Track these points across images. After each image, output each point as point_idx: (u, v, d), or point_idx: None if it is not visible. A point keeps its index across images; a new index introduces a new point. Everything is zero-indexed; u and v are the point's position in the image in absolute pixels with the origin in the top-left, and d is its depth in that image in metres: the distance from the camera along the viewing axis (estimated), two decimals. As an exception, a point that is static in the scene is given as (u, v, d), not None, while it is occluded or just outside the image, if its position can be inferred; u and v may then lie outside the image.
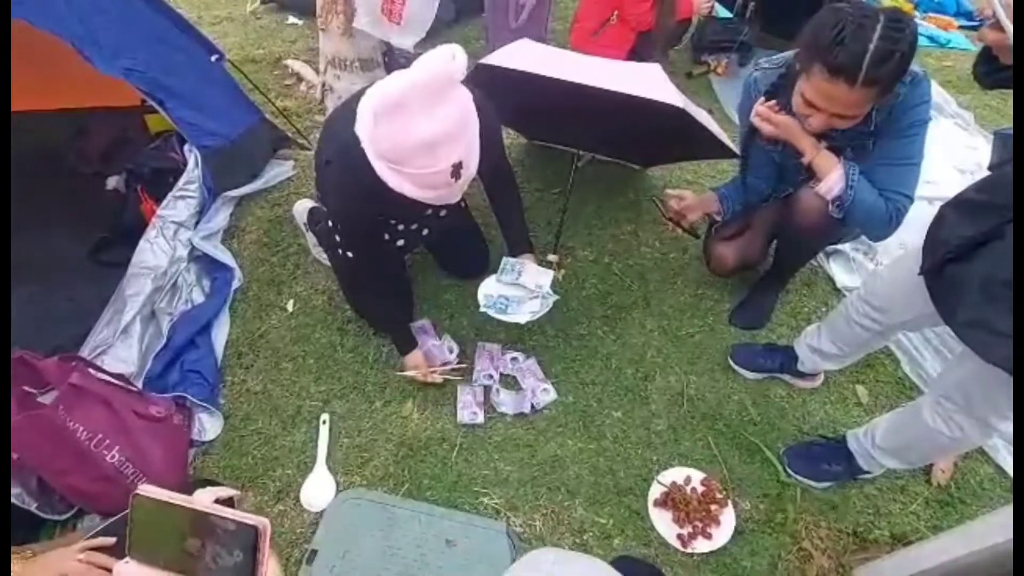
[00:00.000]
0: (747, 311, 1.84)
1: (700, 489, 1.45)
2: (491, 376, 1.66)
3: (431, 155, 1.11)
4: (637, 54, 2.72)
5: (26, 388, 1.25)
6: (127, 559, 0.60)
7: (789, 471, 1.51)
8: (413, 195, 1.18)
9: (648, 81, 1.54)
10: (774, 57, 1.50)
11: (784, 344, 1.70)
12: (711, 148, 1.85)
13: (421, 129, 1.07)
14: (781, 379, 1.69)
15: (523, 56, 1.68)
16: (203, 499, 0.61)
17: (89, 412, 1.21)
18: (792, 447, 1.54)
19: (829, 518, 1.44)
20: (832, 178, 1.37)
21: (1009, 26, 0.77)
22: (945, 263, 1.04)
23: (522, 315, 1.53)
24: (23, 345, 1.33)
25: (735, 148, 1.79)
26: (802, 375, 1.66)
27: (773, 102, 1.43)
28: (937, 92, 2.81)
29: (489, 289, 1.63)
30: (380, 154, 1.14)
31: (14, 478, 1.20)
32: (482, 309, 1.58)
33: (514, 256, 1.64)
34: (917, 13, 3.69)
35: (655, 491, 1.45)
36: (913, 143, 1.34)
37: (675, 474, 1.48)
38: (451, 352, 1.71)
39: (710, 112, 2.47)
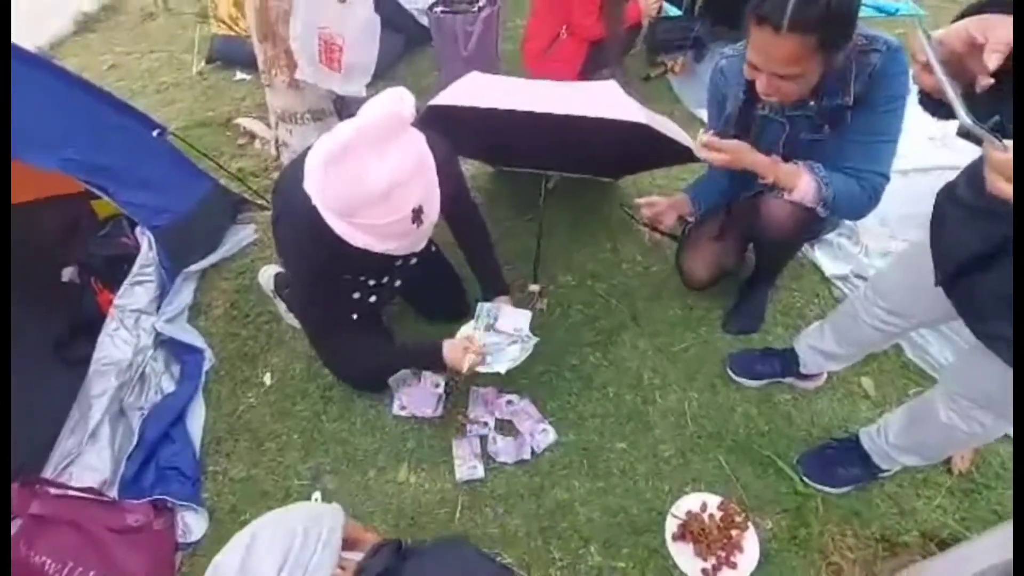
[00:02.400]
0: (740, 316, 1.79)
1: (718, 515, 1.38)
2: (486, 424, 1.58)
3: (387, 202, 1.05)
4: (592, 64, 2.70)
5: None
6: None
7: (805, 480, 1.45)
8: (377, 248, 1.12)
9: (606, 100, 1.50)
10: (738, 44, 1.46)
11: (782, 347, 1.65)
12: (679, 155, 1.80)
13: (373, 176, 1.02)
14: (783, 383, 1.64)
15: (475, 90, 1.64)
16: None
17: (55, 540, 1.12)
18: (805, 453, 1.48)
19: (854, 525, 1.38)
20: (802, 186, 1.33)
21: (940, 74, 0.66)
22: (957, 275, 0.98)
23: (501, 364, 1.46)
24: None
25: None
26: (805, 376, 1.61)
27: (712, 131, 1.38)
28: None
29: None
30: (334, 209, 1.08)
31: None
32: None
33: (488, 299, 1.58)
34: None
35: (671, 524, 1.38)
36: (891, 119, 1.29)
37: (690, 502, 1.41)
38: (437, 387, 1.63)
39: (671, 114, 2.44)
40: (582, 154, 1.95)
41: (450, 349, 1.42)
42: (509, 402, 1.62)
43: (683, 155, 1.81)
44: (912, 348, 1.68)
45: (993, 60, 0.64)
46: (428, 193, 1.14)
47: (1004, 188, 0.63)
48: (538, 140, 1.73)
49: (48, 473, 1.36)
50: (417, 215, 1.10)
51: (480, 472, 1.49)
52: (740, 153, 1.35)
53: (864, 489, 1.43)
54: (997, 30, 0.66)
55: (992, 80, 0.66)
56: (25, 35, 2.11)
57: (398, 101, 1.04)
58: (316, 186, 1.06)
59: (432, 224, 1.19)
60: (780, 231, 1.46)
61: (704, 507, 1.40)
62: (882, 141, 1.32)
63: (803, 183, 1.32)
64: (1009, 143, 0.62)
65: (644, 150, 1.80)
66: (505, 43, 3.01)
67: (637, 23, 2.76)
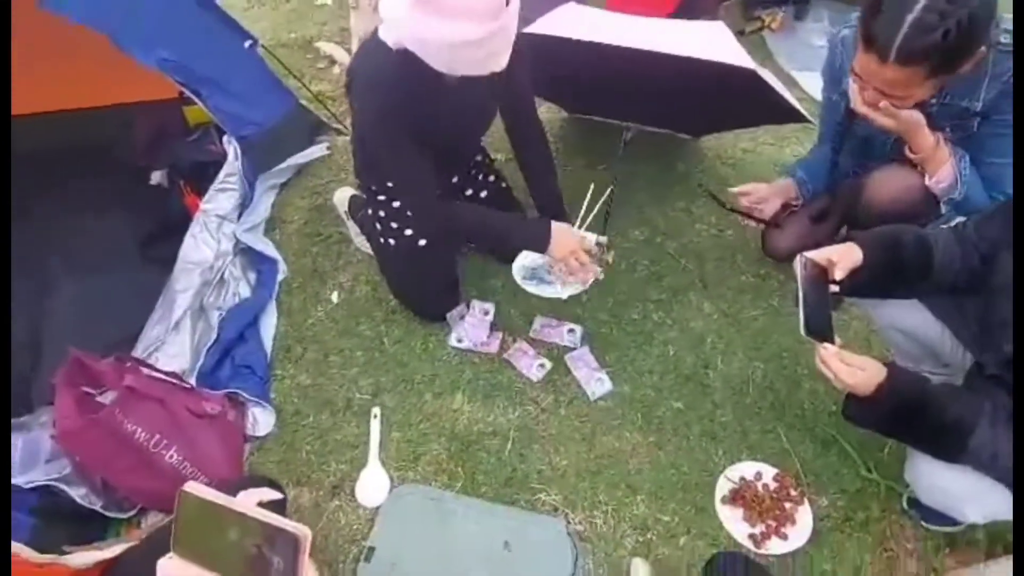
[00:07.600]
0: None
1: (772, 485, 1.35)
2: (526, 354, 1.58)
3: None
4: (683, 13, 2.52)
5: (85, 389, 1.27)
6: (170, 555, 0.62)
7: None
8: (464, 35, 1.04)
9: (715, 42, 1.41)
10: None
11: None
12: (777, 114, 1.69)
13: None
14: None
15: (571, 22, 1.56)
16: (246, 501, 0.61)
17: (145, 413, 1.20)
18: None
19: (917, 517, 1.33)
20: (941, 174, 1.22)
21: (800, 291, 1.02)
22: None
23: (563, 289, 1.42)
24: (78, 342, 1.34)
25: (805, 112, 1.63)
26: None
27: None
28: None
29: (526, 260, 1.54)
30: (420, 4, 1.04)
31: (79, 480, 1.22)
32: (519, 282, 1.50)
33: None
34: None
35: (723, 487, 1.36)
36: None
37: (744, 469, 1.38)
38: (486, 315, 1.64)
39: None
40: (670, 105, 1.85)
41: (558, 243, 1.31)
42: (571, 331, 1.61)
43: (782, 115, 1.70)
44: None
45: (837, 275, 1.03)
46: None
47: (827, 374, 1.00)
48: (627, 85, 1.64)
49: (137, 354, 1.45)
50: None
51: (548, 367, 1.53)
52: (910, 123, 1.19)
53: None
54: (846, 255, 1.03)
55: (837, 288, 1.04)
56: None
57: None
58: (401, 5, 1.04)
59: (516, 14, 1.10)
60: (881, 214, 1.34)
61: (759, 476, 1.37)
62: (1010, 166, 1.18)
63: (944, 171, 1.21)
64: (831, 347, 1.00)
65: (740, 103, 1.69)
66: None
67: (740, -29, 2.55)
